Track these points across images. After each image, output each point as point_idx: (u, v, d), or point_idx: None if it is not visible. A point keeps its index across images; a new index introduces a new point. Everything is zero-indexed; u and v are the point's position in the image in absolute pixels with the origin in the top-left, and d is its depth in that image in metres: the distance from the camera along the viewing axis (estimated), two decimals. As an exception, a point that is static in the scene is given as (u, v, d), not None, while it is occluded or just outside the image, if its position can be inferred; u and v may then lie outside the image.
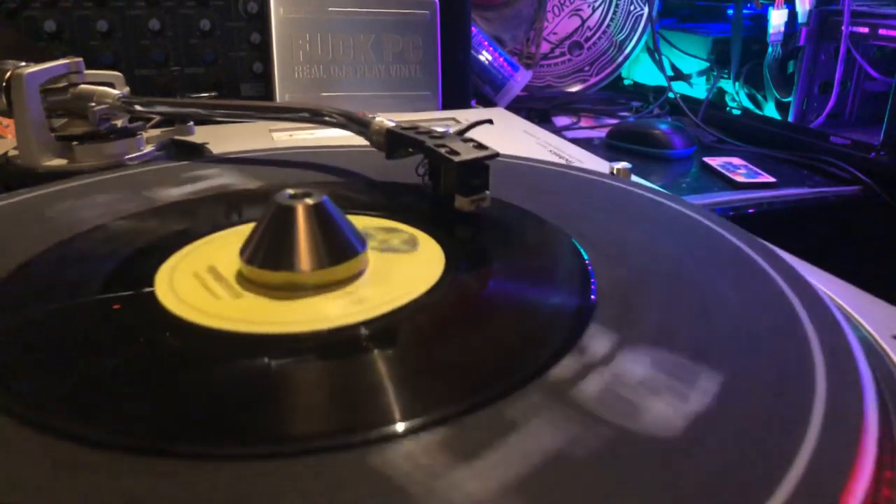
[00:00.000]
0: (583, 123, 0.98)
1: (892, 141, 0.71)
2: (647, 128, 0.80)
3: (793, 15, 0.84)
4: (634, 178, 0.43)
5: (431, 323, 0.22)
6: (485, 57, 0.91)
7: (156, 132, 0.50)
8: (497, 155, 0.31)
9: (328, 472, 0.15)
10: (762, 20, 0.88)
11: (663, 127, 0.79)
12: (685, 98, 0.95)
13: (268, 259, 0.24)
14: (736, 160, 0.76)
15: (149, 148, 0.48)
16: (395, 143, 0.35)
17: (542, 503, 0.14)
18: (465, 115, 0.67)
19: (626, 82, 1.14)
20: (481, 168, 0.30)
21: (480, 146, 0.31)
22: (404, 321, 0.22)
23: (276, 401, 0.18)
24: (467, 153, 0.30)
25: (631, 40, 1.09)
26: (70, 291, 0.24)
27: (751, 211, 0.66)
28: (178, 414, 0.18)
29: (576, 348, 0.20)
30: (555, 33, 1.07)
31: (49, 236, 0.28)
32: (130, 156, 0.46)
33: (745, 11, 0.92)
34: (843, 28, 0.77)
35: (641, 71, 1.12)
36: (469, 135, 0.33)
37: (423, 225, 0.29)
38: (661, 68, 1.00)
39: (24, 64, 0.44)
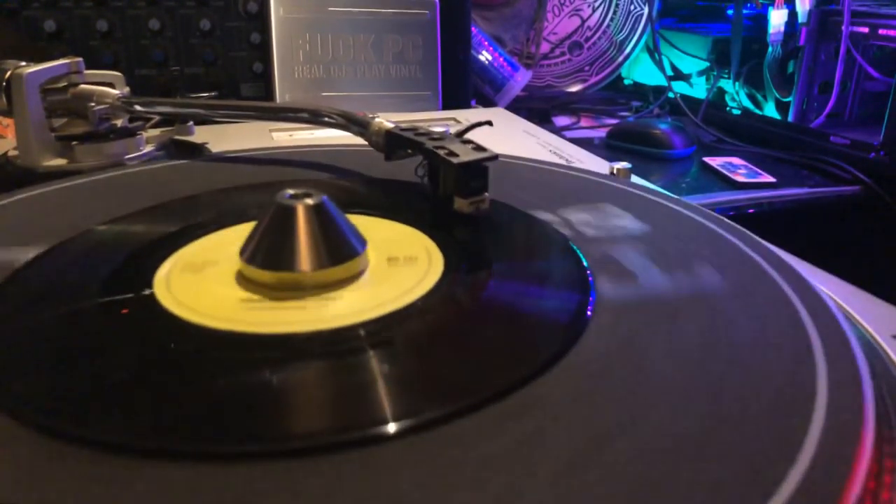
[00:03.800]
0: (583, 123, 0.98)
1: (892, 141, 0.71)
2: (647, 128, 0.80)
3: (793, 15, 0.84)
4: (634, 178, 0.43)
5: (430, 325, 0.22)
6: (485, 57, 0.91)
7: (156, 132, 0.50)
8: (496, 157, 0.31)
9: (328, 472, 0.15)
10: (762, 20, 0.88)
11: (663, 127, 0.79)
12: (685, 98, 0.95)
13: (268, 259, 0.24)
14: (736, 160, 0.76)
15: (149, 148, 0.48)
16: (395, 144, 0.35)
17: None
18: (465, 115, 0.67)
19: (626, 82, 1.14)
20: (480, 170, 0.30)
21: (479, 148, 0.31)
22: (404, 323, 0.22)
23: (275, 401, 0.18)
24: (466, 155, 0.30)
25: (631, 40, 1.09)
26: (70, 293, 0.24)
27: (751, 211, 0.66)
28: (177, 414, 0.18)
29: (574, 351, 0.20)
30: (555, 33, 1.07)
31: (50, 236, 0.28)
32: (130, 156, 0.46)
33: (745, 11, 0.92)
34: (843, 28, 0.77)
35: (641, 71, 1.12)
36: (469, 135, 0.33)
37: (423, 226, 0.29)
38: (661, 68, 1.00)
39: (24, 64, 0.44)
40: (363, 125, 0.37)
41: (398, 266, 0.26)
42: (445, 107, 0.73)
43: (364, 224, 0.27)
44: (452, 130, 0.34)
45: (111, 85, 0.47)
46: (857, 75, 0.81)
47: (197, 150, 0.50)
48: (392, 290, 0.24)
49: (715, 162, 0.75)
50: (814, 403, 0.17)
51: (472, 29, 0.82)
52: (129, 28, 0.66)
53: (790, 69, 0.85)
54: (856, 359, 0.20)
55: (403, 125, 0.35)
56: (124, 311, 0.23)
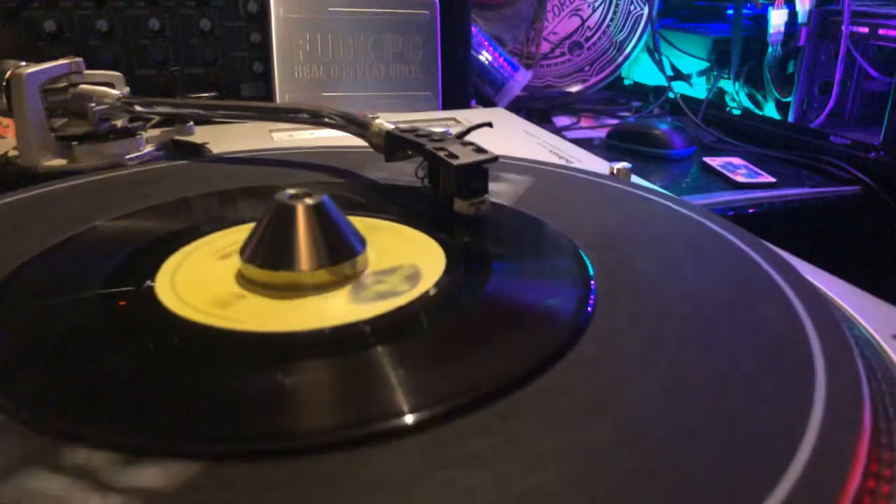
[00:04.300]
0: (583, 123, 0.98)
1: (892, 141, 0.71)
2: (647, 128, 0.80)
3: (793, 15, 0.84)
4: (634, 178, 0.43)
5: (430, 324, 0.22)
6: (485, 57, 0.91)
7: (156, 132, 0.50)
8: (496, 158, 0.31)
9: (326, 471, 0.15)
10: (762, 20, 0.88)
11: (663, 127, 0.79)
12: (685, 98, 0.95)
13: (268, 259, 0.24)
14: (736, 160, 0.76)
15: (149, 148, 0.48)
16: (395, 145, 0.35)
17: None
18: (466, 116, 0.67)
19: (626, 82, 1.14)
20: (480, 171, 0.30)
21: (480, 149, 0.31)
22: (402, 322, 0.22)
23: (274, 400, 0.18)
24: (466, 156, 0.30)
25: (631, 40, 1.09)
26: (70, 291, 0.24)
27: (751, 211, 0.66)
28: (176, 414, 0.18)
29: (575, 349, 0.20)
30: (555, 33, 1.07)
31: (49, 236, 0.28)
32: (130, 156, 0.46)
33: (745, 11, 0.92)
34: (843, 28, 0.77)
35: (641, 71, 1.12)
36: (469, 136, 0.33)
37: (423, 226, 0.29)
38: (661, 68, 1.00)
39: (24, 64, 0.44)
40: (363, 126, 0.37)
41: (398, 266, 0.26)
42: (445, 107, 0.73)
43: (364, 224, 0.27)
44: (453, 131, 0.34)
45: (111, 85, 0.47)
46: (857, 75, 0.81)
47: (197, 150, 0.50)
48: (400, 283, 0.24)
49: (715, 162, 0.75)
50: (813, 403, 0.17)
51: (472, 29, 0.82)
52: (129, 28, 0.66)
53: (790, 69, 0.86)
54: (856, 359, 0.20)
55: (403, 126, 0.35)
56: (119, 303, 0.23)
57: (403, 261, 0.26)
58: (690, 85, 1.01)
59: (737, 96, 0.93)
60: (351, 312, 0.22)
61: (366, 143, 0.37)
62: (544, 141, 0.58)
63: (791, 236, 0.38)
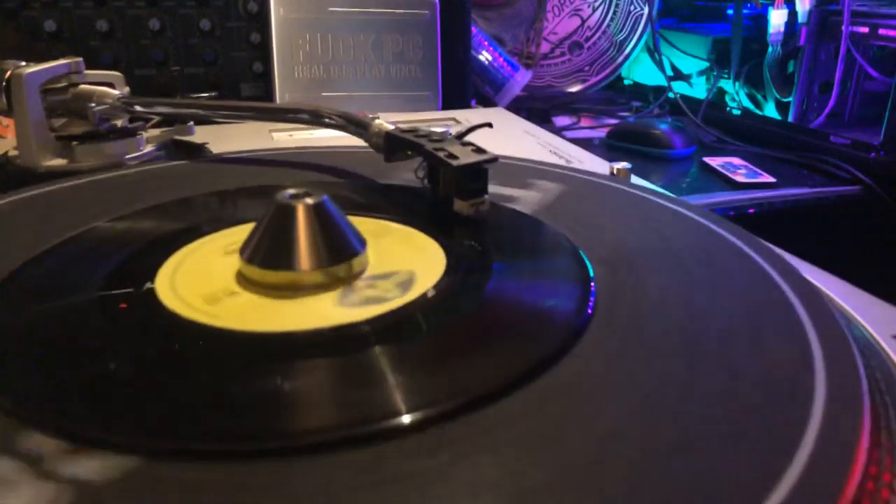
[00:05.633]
0: (583, 123, 0.98)
1: (892, 141, 0.71)
2: (647, 128, 0.80)
3: (793, 15, 0.84)
4: (634, 178, 0.43)
5: (430, 324, 0.22)
6: (485, 57, 0.91)
7: (156, 132, 0.50)
8: (496, 159, 0.31)
9: (326, 471, 0.15)
10: (762, 20, 0.88)
11: (663, 127, 0.79)
12: (685, 98, 0.95)
13: (268, 259, 0.24)
14: (736, 160, 0.76)
15: (149, 148, 0.48)
16: (394, 145, 0.35)
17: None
18: (466, 115, 0.67)
19: (626, 82, 1.14)
20: (480, 172, 0.30)
21: (479, 150, 0.31)
22: (402, 323, 0.22)
23: (274, 400, 0.18)
24: (466, 157, 0.30)
25: (631, 40, 1.09)
26: (70, 291, 0.24)
27: (751, 211, 0.66)
28: (176, 413, 0.18)
29: (574, 351, 0.20)
30: (555, 33, 1.07)
31: (49, 236, 0.28)
32: (130, 156, 0.46)
33: (745, 11, 0.92)
34: (843, 28, 0.77)
35: (641, 71, 1.12)
36: (469, 137, 0.33)
37: (422, 227, 0.29)
38: (661, 68, 1.00)
39: (24, 64, 0.44)
40: (363, 126, 0.37)
41: (398, 266, 0.26)
42: (445, 107, 0.73)
43: (364, 225, 0.27)
44: (453, 132, 0.34)
45: (111, 85, 0.47)
46: (857, 75, 0.81)
47: (197, 150, 0.50)
48: (392, 289, 0.24)
49: (715, 162, 0.75)
50: (812, 404, 0.17)
51: (472, 29, 0.82)
52: (129, 28, 0.66)
53: (790, 69, 0.85)
54: (855, 359, 0.20)
55: (403, 126, 0.35)
56: (119, 305, 0.23)
57: (402, 261, 0.26)
58: (690, 85, 1.01)
59: (737, 96, 0.93)
60: (349, 313, 0.22)
61: (366, 144, 0.37)
62: (544, 141, 0.58)
63: (791, 236, 0.38)
